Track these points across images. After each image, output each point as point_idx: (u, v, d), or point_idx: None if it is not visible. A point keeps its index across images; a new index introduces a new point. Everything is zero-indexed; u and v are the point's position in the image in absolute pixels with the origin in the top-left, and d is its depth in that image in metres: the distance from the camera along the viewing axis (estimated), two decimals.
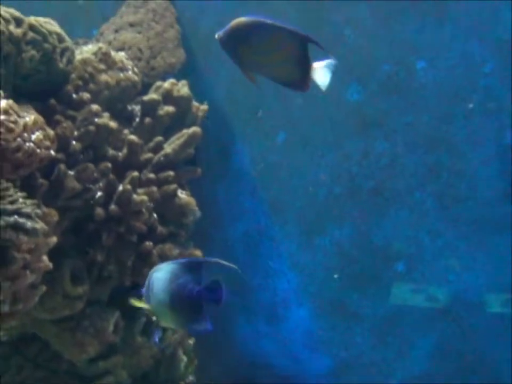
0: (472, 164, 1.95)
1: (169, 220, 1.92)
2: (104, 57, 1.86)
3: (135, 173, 1.78)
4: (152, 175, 1.84)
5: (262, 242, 2.24)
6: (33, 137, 1.40)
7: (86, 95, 1.76)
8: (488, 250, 1.95)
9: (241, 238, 2.27)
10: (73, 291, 1.72)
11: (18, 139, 1.34)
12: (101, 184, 1.75)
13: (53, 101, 1.69)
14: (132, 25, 2.18)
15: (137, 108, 1.99)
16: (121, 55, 1.97)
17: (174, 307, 1.14)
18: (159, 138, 1.90)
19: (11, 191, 1.24)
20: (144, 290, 1.19)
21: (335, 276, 2.09)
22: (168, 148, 1.89)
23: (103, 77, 1.83)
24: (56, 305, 1.70)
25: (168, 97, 1.97)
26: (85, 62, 1.80)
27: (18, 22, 1.56)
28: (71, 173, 1.66)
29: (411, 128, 2.01)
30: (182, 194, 1.92)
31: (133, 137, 1.83)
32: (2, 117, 1.19)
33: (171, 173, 1.86)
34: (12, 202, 1.21)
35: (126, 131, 1.86)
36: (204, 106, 2.06)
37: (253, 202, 2.26)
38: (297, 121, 2.16)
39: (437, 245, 2.01)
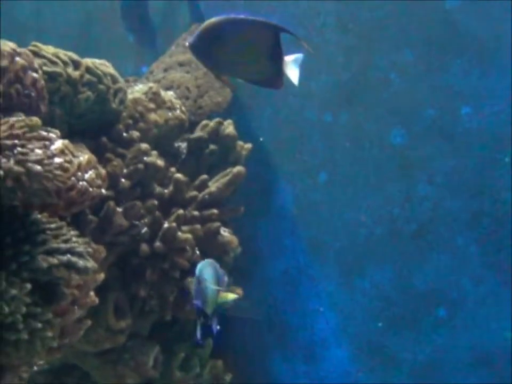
0: None
1: (210, 256, 1.95)
2: (154, 97, 1.92)
3: (181, 211, 1.82)
4: (196, 213, 1.88)
5: (301, 281, 2.25)
6: (86, 176, 1.45)
7: (135, 134, 1.82)
8: None
9: (280, 276, 2.28)
10: (116, 325, 1.76)
11: (73, 178, 1.39)
12: (146, 220, 1.79)
13: (104, 139, 1.75)
14: (180, 64, 2.25)
15: (183, 145, 2.04)
16: (170, 94, 2.04)
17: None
18: (204, 176, 1.94)
19: (64, 230, 1.28)
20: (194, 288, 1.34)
21: (379, 324, 2.08)
22: (212, 186, 1.93)
23: (153, 116, 1.89)
24: (99, 338, 1.74)
25: (214, 135, 2.02)
26: (136, 101, 1.87)
27: (76, 65, 1.63)
28: (119, 209, 1.70)
29: (455, 173, 2.01)
30: (225, 232, 1.95)
31: (179, 175, 1.87)
32: (57, 159, 1.24)
33: (215, 211, 1.90)
34: (65, 241, 1.25)
35: (172, 169, 1.91)
36: (248, 145, 2.09)
37: (293, 241, 2.27)
38: (339, 161, 2.18)
39: (479, 292, 1.99)
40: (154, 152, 1.84)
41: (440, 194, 2.03)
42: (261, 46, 1.19)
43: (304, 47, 1.20)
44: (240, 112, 2.31)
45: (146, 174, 1.80)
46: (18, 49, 1.42)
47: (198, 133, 2.01)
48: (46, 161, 1.15)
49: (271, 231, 2.29)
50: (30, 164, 1.09)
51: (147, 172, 1.79)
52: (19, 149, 1.10)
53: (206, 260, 1.44)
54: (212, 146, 2.00)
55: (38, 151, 1.15)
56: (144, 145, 1.80)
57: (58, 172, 1.22)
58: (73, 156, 1.44)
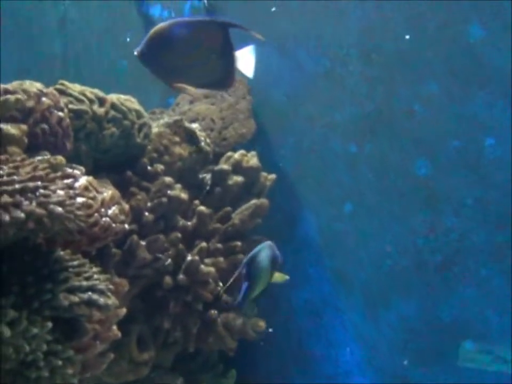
0: None
1: (234, 288, 1.96)
2: (179, 130, 1.95)
3: (204, 244, 1.84)
4: (219, 245, 1.89)
5: (325, 311, 2.24)
6: (110, 212, 1.48)
7: (160, 167, 1.85)
8: None
9: (304, 305, 2.28)
10: (139, 357, 1.77)
11: (96, 214, 1.42)
12: (170, 252, 1.81)
13: (129, 173, 1.78)
14: (206, 96, 2.28)
15: (207, 177, 2.06)
16: (195, 126, 2.06)
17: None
18: (228, 208, 1.95)
19: (86, 267, 1.31)
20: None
21: (405, 362, 2.06)
22: (235, 218, 1.94)
23: (177, 149, 1.92)
24: (122, 371, 1.75)
25: (237, 167, 2.03)
26: (160, 135, 1.90)
27: (101, 102, 1.67)
28: (143, 243, 1.73)
29: (480, 204, 1.99)
30: None
31: (202, 208, 1.89)
32: (80, 199, 1.27)
33: (238, 243, 1.91)
34: (87, 279, 1.27)
35: (196, 201, 1.93)
36: (272, 176, 2.11)
37: (317, 270, 2.27)
38: (364, 192, 2.17)
39: (504, 324, 1.96)
40: (178, 186, 1.86)
41: (465, 225, 2.01)
42: (211, 45, 1.17)
43: (254, 36, 1.17)
44: (264, 142, 2.33)
45: (170, 207, 1.82)
46: (45, 90, 1.47)
47: (221, 165, 2.04)
48: (67, 202, 1.18)
49: (295, 260, 2.29)
50: (51, 206, 1.11)
51: (170, 205, 1.82)
52: (41, 190, 1.13)
53: (266, 242, 1.50)
54: (236, 178, 2.02)
55: (60, 192, 1.18)
56: (168, 179, 1.83)
57: (80, 212, 1.24)
58: (97, 191, 1.48)
